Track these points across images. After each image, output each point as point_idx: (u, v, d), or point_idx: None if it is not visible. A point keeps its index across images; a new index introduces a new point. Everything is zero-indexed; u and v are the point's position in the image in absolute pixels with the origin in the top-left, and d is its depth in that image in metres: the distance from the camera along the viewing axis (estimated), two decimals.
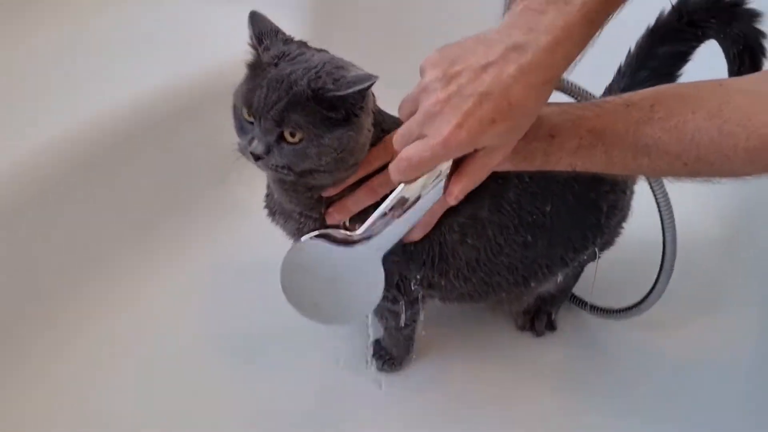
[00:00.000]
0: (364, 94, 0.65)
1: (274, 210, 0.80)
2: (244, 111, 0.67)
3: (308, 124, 0.64)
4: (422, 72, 0.58)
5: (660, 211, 0.80)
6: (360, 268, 0.67)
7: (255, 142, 0.66)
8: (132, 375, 0.90)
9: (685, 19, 0.79)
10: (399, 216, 0.63)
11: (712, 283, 1.02)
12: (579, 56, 0.58)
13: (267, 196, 0.81)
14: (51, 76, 1.07)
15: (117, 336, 0.94)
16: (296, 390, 0.89)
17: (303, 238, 0.68)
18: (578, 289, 0.97)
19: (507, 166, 0.64)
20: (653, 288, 0.86)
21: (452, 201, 0.61)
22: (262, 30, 0.68)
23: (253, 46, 0.68)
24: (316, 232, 0.67)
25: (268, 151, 0.65)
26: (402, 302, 0.81)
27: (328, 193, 0.72)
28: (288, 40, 0.69)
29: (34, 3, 1.18)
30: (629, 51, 0.85)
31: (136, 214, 1.05)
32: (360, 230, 0.66)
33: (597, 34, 0.58)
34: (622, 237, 0.90)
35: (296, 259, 0.68)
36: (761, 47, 0.77)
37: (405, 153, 0.57)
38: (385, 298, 0.79)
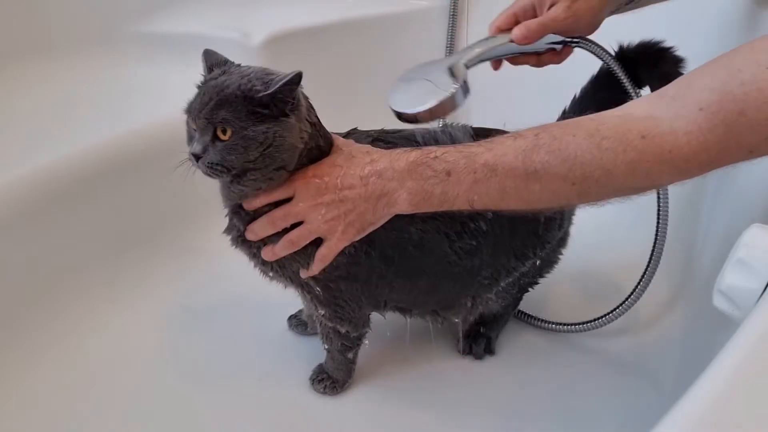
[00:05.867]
0: (292, 91, 0.71)
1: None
2: (189, 119, 0.73)
3: (234, 118, 0.70)
4: None
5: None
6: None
7: (194, 143, 0.71)
8: (94, 404, 0.91)
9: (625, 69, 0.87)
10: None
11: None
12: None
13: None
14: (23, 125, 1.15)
15: (80, 364, 0.96)
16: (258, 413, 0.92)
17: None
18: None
19: (407, 210, 0.72)
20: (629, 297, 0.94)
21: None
22: (213, 61, 0.76)
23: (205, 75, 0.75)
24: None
25: (205, 150, 0.71)
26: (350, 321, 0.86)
27: (249, 205, 0.77)
28: (236, 65, 0.77)
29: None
30: (574, 96, 0.93)
31: (105, 249, 1.09)
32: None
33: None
34: None
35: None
36: None
37: None
38: (335, 316, 0.84)
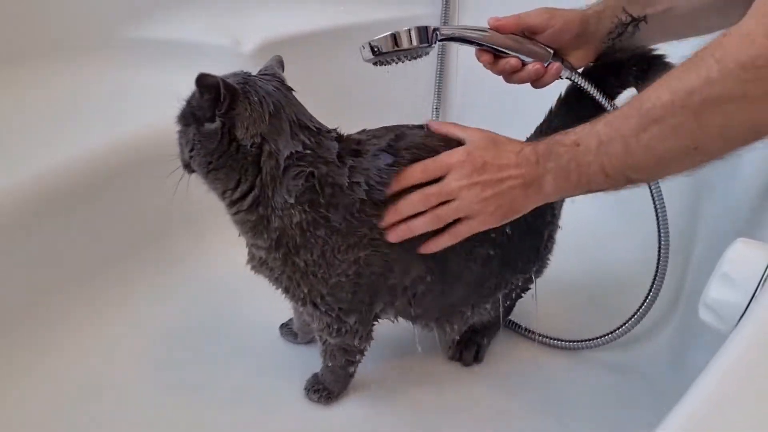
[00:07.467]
0: (202, 95, 0.72)
1: None
2: None
3: (182, 120, 0.76)
4: None
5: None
6: None
7: None
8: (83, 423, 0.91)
9: (611, 68, 0.88)
10: None
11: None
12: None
13: None
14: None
15: (66, 380, 0.95)
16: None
17: None
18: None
19: (551, 194, 0.73)
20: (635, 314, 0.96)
21: None
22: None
23: None
24: None
25: None
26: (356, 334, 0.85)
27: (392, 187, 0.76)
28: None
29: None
30: (560, 95, 0.93)
31: (102, 257, 1.09)
32: None
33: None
34: None
35: None
36: None
37: None
38: (343, 330, 0.84)
